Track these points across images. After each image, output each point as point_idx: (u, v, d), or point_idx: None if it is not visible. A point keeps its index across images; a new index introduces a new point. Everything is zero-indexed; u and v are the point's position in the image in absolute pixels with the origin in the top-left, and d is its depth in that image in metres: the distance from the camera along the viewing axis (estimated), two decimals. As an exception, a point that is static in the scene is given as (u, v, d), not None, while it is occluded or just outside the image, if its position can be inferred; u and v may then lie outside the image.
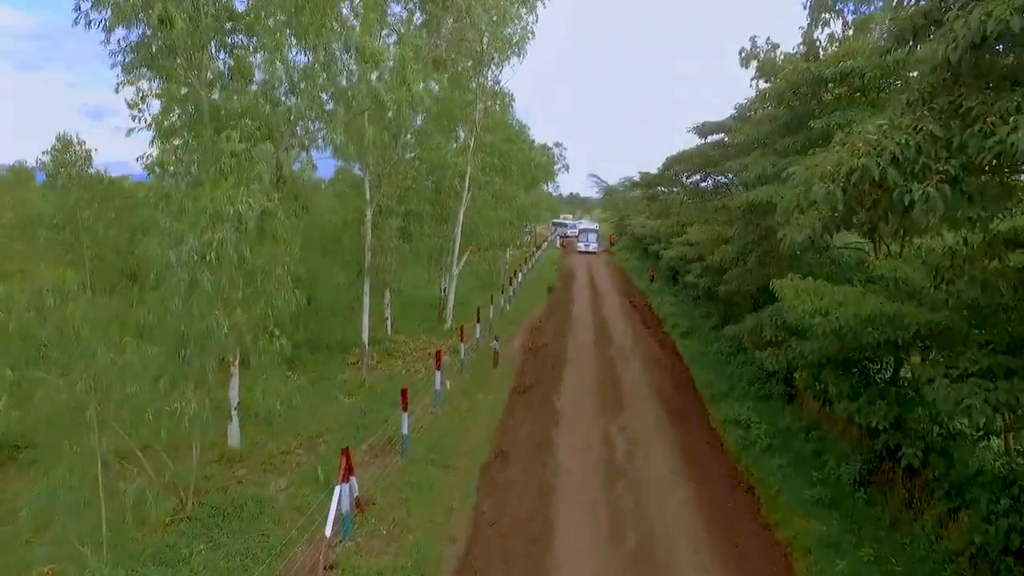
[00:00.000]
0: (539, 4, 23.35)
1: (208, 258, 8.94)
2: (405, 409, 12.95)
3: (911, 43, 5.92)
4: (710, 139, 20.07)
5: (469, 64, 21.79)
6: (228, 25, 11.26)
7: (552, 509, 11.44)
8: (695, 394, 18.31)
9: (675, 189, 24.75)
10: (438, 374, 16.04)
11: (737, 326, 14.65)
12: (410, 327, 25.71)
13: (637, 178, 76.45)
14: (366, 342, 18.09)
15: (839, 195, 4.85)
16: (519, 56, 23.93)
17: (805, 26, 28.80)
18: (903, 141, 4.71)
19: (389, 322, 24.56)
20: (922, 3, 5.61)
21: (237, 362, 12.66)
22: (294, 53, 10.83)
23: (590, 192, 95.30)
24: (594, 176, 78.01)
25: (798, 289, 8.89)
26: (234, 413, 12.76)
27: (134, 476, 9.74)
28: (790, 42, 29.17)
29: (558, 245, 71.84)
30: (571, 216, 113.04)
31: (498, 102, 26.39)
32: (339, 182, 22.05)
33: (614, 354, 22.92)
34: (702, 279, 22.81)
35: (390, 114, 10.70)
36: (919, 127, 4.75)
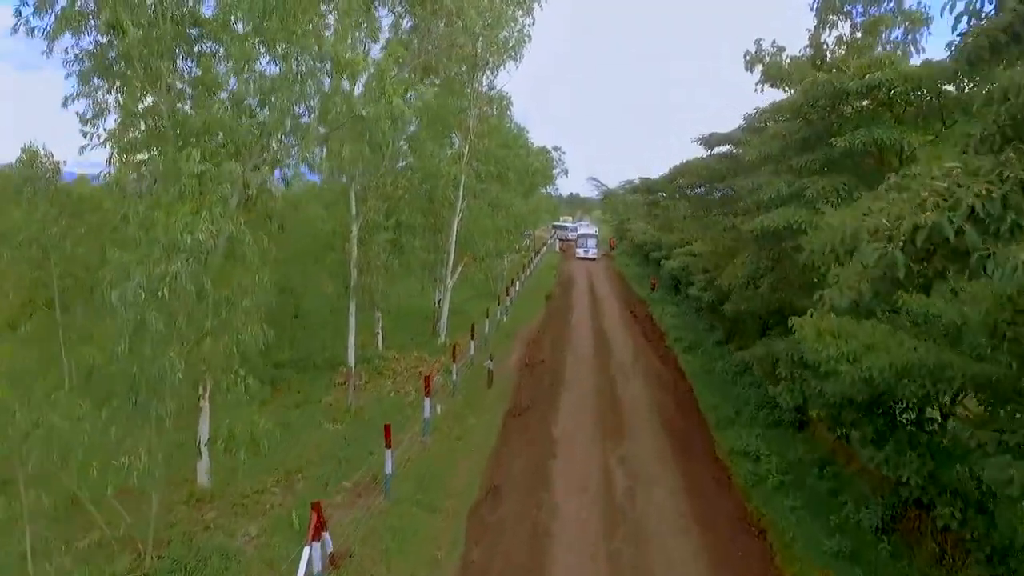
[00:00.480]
0: (536, 6, 22.42)
1: (161, 294, 7.99)
2: (389, 446, 11.99)
3: (987, 63, 4.89)
4: (717, 150, 19.16)
5: (463, 69, 20.82)
6: (194, 31, 10.32)
7: (547, 559, 10.50)
8: (700, 418, 17.35)
9: (677, 197, 23.61)
10: (427, 401, 15.08)
11: (747, 352, 13.69)
12: (402, 341, 24.75)
13: (637, 181, 75.97)
14: (352, 364, 17.11)
15: (899, 258, 3.89)
16: (515, 60, 22.97)
17: (812, 28, 28.24)
18: (983, 192, 3.80)
19: (380, 337, 23.60)
20: (1000, 15, 4.66)
21: (207, 395, 11.69)
22: (265, 63, 9.88)
23: (590, 192, 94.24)
24: (594, 179, 77.11)
25: (820, 329, 7.95)
26: (203, 449, 11.80)
27: (83, 533, 8.79)
28: (794, 44, 28.36)
29: (557, 249, 70.90)
30: (571, 218, 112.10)
31: (494, 107, 25.45)
32: (327, 191, 21.08)
33: (614, 371, 21.96)
34: (706, 293, 21.86)
35: (370, 130, 9.76)
36: (1005, 174, 3.81)
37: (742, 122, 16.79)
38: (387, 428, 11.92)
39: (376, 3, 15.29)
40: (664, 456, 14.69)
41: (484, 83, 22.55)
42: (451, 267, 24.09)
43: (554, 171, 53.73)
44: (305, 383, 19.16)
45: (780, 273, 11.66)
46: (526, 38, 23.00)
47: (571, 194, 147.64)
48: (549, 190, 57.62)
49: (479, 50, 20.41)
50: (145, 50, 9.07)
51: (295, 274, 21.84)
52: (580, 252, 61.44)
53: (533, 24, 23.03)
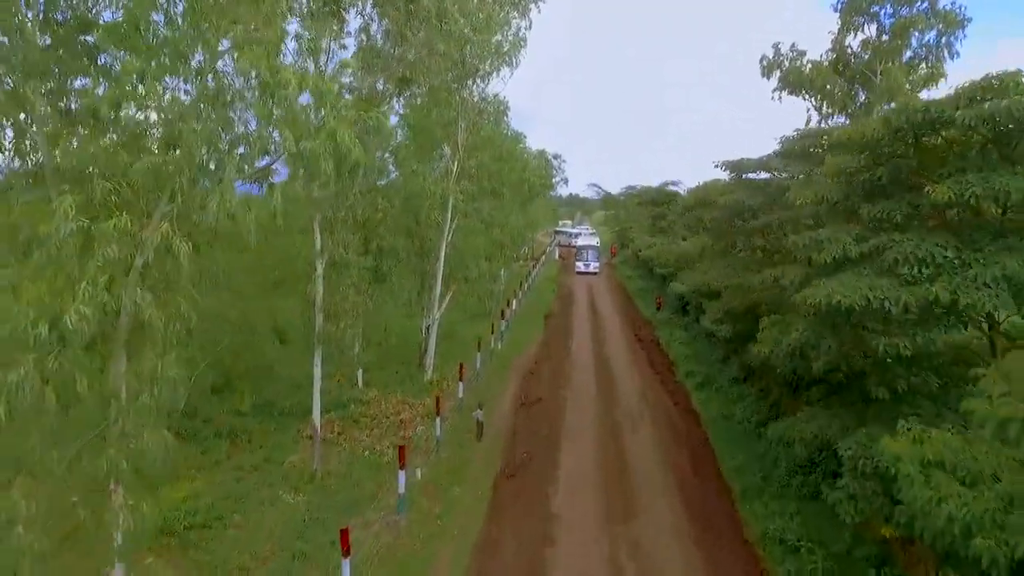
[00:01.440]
0: (532, 7, 20.15)
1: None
2: (347, 553, 9.68)
3: None
4: (736, 171, 16.82)
5: (449, 78, 18.51)
6: (84, 38, 8.00)
7: None
8: (721, 483, 15.03)
9: (696, 229, 21.06)
10: (402, 475, 12.78)
11: (787, 428, 11.26)
12: (385, 377, 22.44)
13: (639, 188, 73.70)
14: (318, 423, 14.78)
15: None
16: (510, 66, 20.69)
17: (835, 31, 25.92)
18: None
19: (360, 374, 21.30)
20: None
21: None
22: (175, 82, 7.56)
23: (589, 193, 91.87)
24: (595, 185, 74.77)
25: (924, 459, 5.64)
26: None
27: None
28: (802, 45, 25.72)
29: (557, 257, 68.58)
30: (570, 222, 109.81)
31: (488, 117, 23.15)
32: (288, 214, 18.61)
33: (620, 415, 19.63)
34: (722, 327, 19.52)
35: (309, 170, 7.48)
36: None
37: (777, 145, 14.35)
38: (343, 534, 9.59)
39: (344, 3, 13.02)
40: (683, 542, 12.35)
41: (475, 92, 20.22)
42: (439, 294, 21.75)
43: (554, 179, 51.84)
44: (269, 436, 16.82)
45: (845, 351, 9.30)
46: (522, 42, 20.76)
47: (571, 195, 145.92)
48: (549, 195, 55.57)
49: (468, 56, 18.09)
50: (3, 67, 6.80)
51: (261, 308, 19.60)
52: (580, 266, 53.78)
53: (530, 27, 20.80)
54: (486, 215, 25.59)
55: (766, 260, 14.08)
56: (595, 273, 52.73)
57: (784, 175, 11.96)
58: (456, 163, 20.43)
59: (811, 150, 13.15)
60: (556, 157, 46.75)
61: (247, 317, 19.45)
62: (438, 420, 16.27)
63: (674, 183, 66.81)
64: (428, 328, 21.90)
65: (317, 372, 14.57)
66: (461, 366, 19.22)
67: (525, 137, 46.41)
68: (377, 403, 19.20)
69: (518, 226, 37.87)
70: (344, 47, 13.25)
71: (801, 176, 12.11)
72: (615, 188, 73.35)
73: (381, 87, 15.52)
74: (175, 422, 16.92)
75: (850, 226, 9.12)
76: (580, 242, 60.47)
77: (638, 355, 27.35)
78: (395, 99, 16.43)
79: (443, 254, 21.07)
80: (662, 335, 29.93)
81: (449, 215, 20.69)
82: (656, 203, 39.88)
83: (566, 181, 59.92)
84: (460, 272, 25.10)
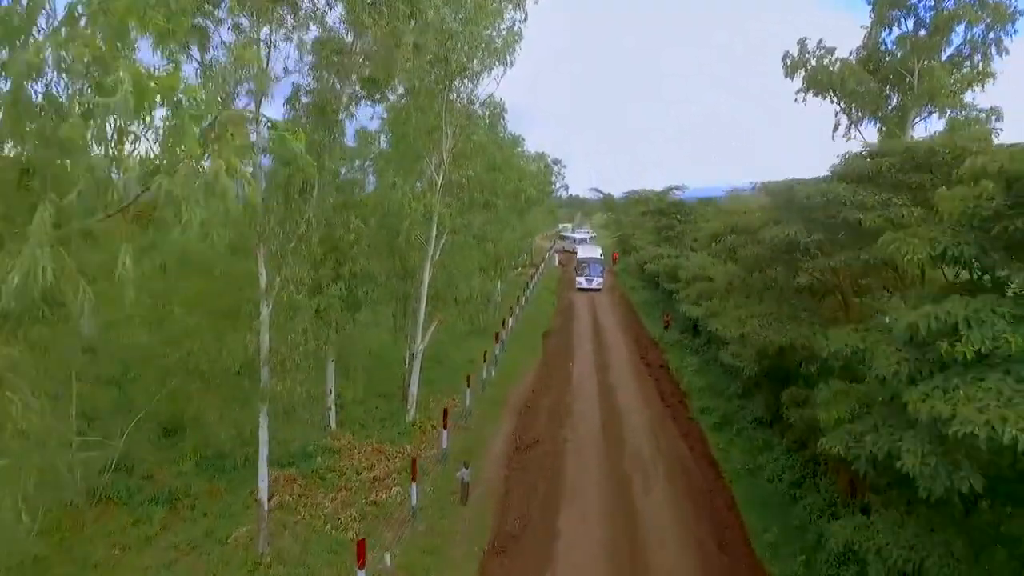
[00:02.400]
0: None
1: None
2: None
3: None
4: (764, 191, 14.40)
5: (432, 78, 15.99)
6: None
7: None
8: (753, 565, 12.50)
9: (723, 258, 18.31)
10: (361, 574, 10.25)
11: (851, 529, 8.68)
12: (363, 414, 19.95)
13: (640, 191, 70.99)
14: (265, 495, 12.22)
15: None
16: (504, 64, 18.18)
17: (867, 25, 23.38)
18: None
19: (333, 412, 18.77)
20: None
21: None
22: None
23: (591, 194, 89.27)
24: (596, 190, 72.28)
25: None
26: None
27: None
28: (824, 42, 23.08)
29: (556, 264, 66.07)
30: (570, 225, 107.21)
31: (478, 122, 20.65)
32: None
33: (628, 466, 17.08)
34: (746, 365, 16.95)
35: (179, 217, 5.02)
36: None
37: (836, 161, 11.68)
38: None
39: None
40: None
41: (463, 94, 17.68)
42: (423, 321, 19.19)
43: (554, 186, 49.39)
44: (217, 499, 14.30)
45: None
46: (517, 36, 18.26)
47: (572, 195, 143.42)
48: (549, 198, 52.97)
49: (452, 52, 15.57)
50: None
51: (213, 339, 17.07)
52: (581, 282, 46.43)
53: (525, 20, 18.30)
54: (477, 230, 23.11)
55: (822, 308, 11.66)
56: (598, 290, 46.32)
57: (854, 210, 9.34)
58: (441, 175, 17.87)
59: (883, 170, 10.39)
60: (556, 162, 44.57)
61: (200, 349, 16.99)
62: (414, 488, 13.71)
63: (678, 188, 64.69)
64: (411, 359, 19.32)
65: (263, 435, 12.00)
66: (445, 412, 16.64)
67: (523, 140, 44.38)
68: (349, 452, 16.66)
69: (515, 238, 35.60)
70: (292, 39, 10.68)
71: (889, 205, 9.40)
72: (615, 183, 70.76)
73: (348, 89, 12.96)
74: (104, 482, 14.65)
75: (992, 297, 6.51)
76: (581, 253, 51.62)
77: (645, 383, 24.80)
78: (366, 103, 13.84)
79: (427, 276, 18.53)
80: (671, 359, 27.39)
81: (434, 232, 18.15)
82: (663, 213, 37.34)
83: (566, 188, 57.43)
84: (450, 293, 22.62)
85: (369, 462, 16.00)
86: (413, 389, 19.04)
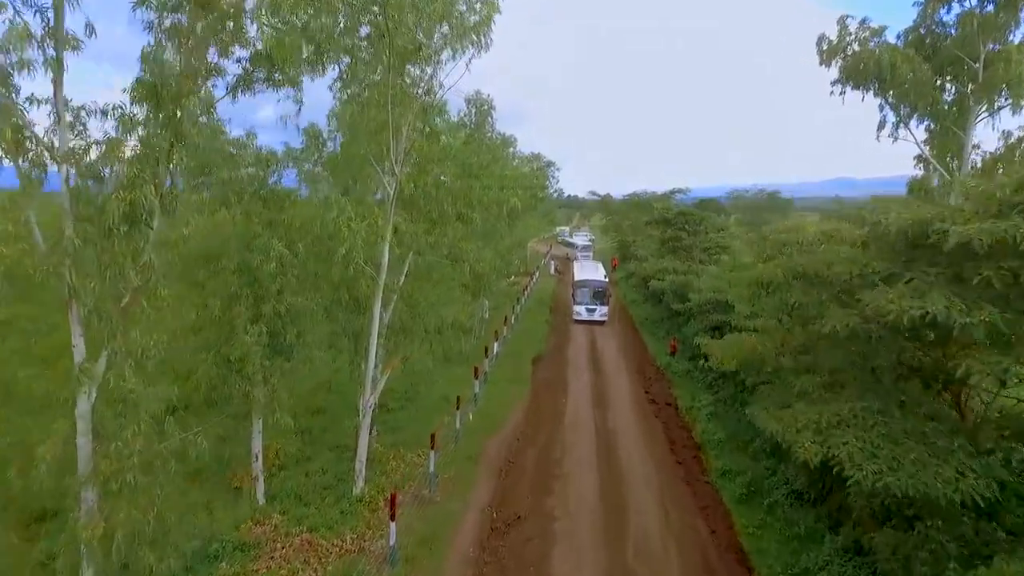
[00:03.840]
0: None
1: None
2: None
3: None
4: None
5: (370, 59, 12.16)
6: None
7: None
8: None
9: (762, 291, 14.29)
10: None
11: None
12: (303, 479, 16.15)
13: (641, 193, 67.13)
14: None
15: None
16: (479, 46, 14.28)
17: (921, 3, 19.50)
18: None
19: (260, 483, 14.94)
20: None
21: None
22: None
23: (589, 196, 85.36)
24: (594, 193, 68.56)
25: None
26: None
27: None
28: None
29: (553, 271, 62.23)
30: (567, 228, 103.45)
31: (444, 118, 16.88)
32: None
33: (634, 559, 13.24)
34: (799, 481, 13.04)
35: None
36: None
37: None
38: None
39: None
40: None
41: (420, 83, 13.81)
42: (374, 369, 15.31)
43: (548, 191, 45.61)
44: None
45: None
46: (493, 8, 14.40)
47: (570, 196, 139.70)
48: (543, 203, 48.99)
49: (400, 25, 11.71)
50: None
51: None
52: (580, 312, 36.31)
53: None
54: (451, 248, 19.24)
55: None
56: (601, 322, 36.01)
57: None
58: (395, 185, 14.02)
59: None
60: (550, 165, 40.78)
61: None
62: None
63: (680, 191, 60.81)
64: (361, 415, 15.42)
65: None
66: (392, 498, 12.71)
67: (515, 140, 40.56)
68: (270, 548, 12.77)
69: (503, 248, 31.75)
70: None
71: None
72: (614, 183, 66.87)
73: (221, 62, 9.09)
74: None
75: None
76: (579, 273, 39.41)
77: (652, 428, 20.96)
78: (267, 88, 10.00)
79: (378, 310, 14.66)
80: (681, 395, 23.54)
81: (386, 258, 14.28)
82: (669, 223, 33.45)
83: (560, 192, 53.63)
84: (417, 324, 18.79)
85: (292, 567, 12.10)
86: (362, 453, 15.16)
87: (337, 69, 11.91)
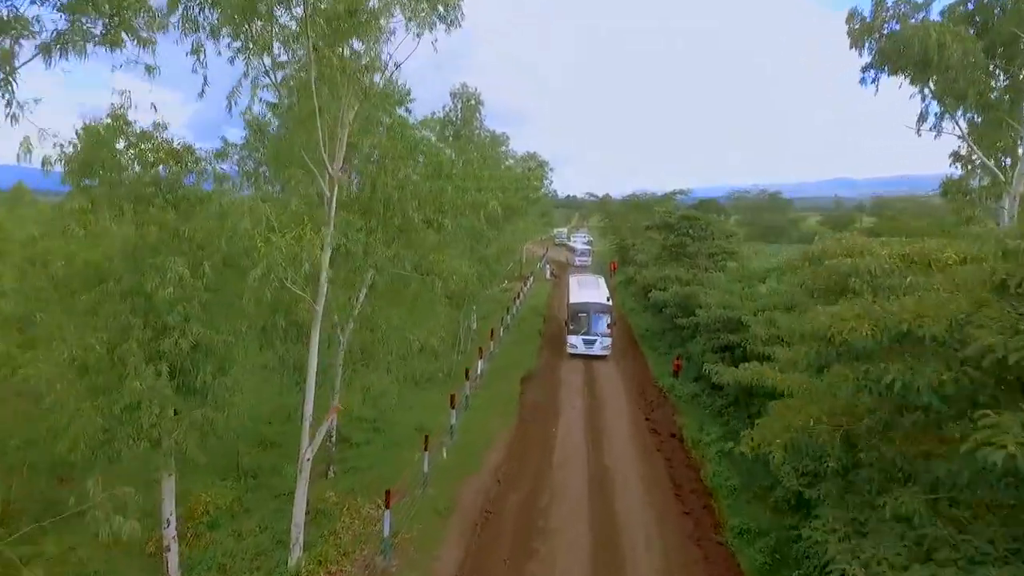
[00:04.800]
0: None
1: None
2: None
3: None
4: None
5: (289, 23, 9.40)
6: None
7: None
8: None
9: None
10: None
11: None
12: (232, 543, 13.38)
13: (641, 193, 64.34)
14: None
15: None
16: (447, 22, 11.47)
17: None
18: None
19: (174, 553, 12.15)
20: None
21: None
22: None
23: (587, 196, 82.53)
24: (592, 195, 65.90)
25: None
26: None
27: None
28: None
29: (548, 275, 59.44)
30: (565, 230, 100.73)
31: (396, 105, 14.18)
32: None
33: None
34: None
35: None
36: None
37: None
38: None
39: None
40: None
41: (360, 59, 11.00)
42: (311, 415, 12.44)
43: (541, 191, 42.90)
44: None
45: None
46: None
47: (568, 196, 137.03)
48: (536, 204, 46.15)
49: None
50: None
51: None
52: (575, 343, 29.23)
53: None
54: (421, 261, 16.48)
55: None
56: (604, 357, 28.97)
57: None
58: (335, 187, 11.24)
59: None
60: (542, 165, 38.04)
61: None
62: None
63: (682, 192, 58.02)
64: (299, 468, 12.59)
65: None
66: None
67: (507, 138, 37.80)
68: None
69: (492, 254, 29.00)
70: None
71: None
72: (613, 183, 64.01)
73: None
74: None
75: None
76: (575, 294, 31.55)
77: (654, 467, 18.18)
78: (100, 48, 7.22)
79: (315, 344, 11.84)
80: (687, 424, 20.73)
81: (324, 278, 11.48)
82: (671, 229, 30.65)
83: (555, 193, 50.89)
84: (380, 350, 16.11)
85: None
86: (299, 516, 12.34)
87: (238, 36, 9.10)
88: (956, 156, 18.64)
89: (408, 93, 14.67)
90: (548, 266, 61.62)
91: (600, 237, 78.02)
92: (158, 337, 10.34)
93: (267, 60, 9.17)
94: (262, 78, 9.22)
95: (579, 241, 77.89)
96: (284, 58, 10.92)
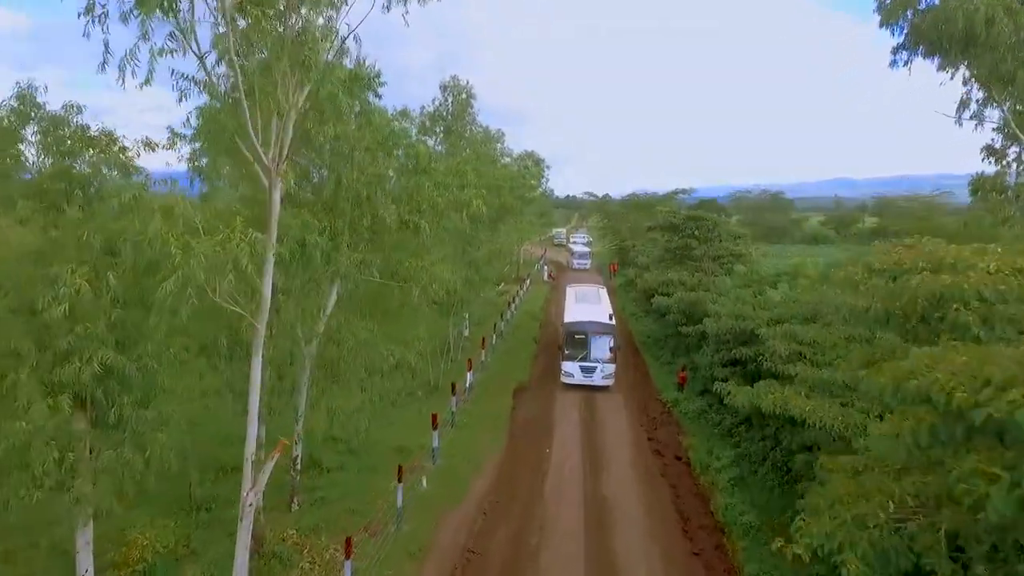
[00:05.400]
0: None
1: None
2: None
3: None
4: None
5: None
6: None
7: None
8: None
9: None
10: None
11: None
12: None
13: (640, 192, 62.43)
14: None
15: None
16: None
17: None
18: None
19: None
20: None
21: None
22: None
23: (586, 196, 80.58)
24: (591, 194, 64.09)
25: None
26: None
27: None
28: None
29: (546, 277, 57.56)
30: (563, 230, 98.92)
31: (372, 91, 12.34)
32: None
33: None
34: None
35: None
36: None
37: None
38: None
39: None
40: None
41: (293, 23, 9.08)
42: (255, 453, 10.51)
43: (538, 191, 41.13)
44: None
45: None
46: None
47: (568, 196, 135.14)
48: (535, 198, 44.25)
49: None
50: None
51: None
52: (573, 372, 24.31)
53: None
54: (396, 267, 14.60)
55: None
56: (607, 387, 24.13)
57: None
58: (275, 183, 9.33)
59: None
60: (537, 163, 36.21)
61: None
62: None
63: (683, 191, 56.14)
64: (241, 513, 10.65)
65: None
66: None
67: (503, 135, 35.89)
68: None
69: (482, 257, 27.13)
70: None
71: None
72: (612, 183, 62.11)
73: None
74: None
75: None
76: (573, 309, 27.09)
77: (659, 496, 16.30)
78: None
79: (257, 368, 9.91)
80: (694, 445, 18.83)
81: (268, 290, 9.57)
82: (676, 230, 28.77)
83: (551, 191, 49.03)
84: (348, 368, 14.28)
85: None
86: (241, 572, 10.42)
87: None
88: (990, 150, 16.78)
89: (378, 75, 12.79)
90: (546, 267, 59.73)
91: (600, 238, 76.08)
92: (60, 364, 8.47)
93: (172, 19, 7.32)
94: (168, 43, 7.35)
95: (578, 242, 75.97)
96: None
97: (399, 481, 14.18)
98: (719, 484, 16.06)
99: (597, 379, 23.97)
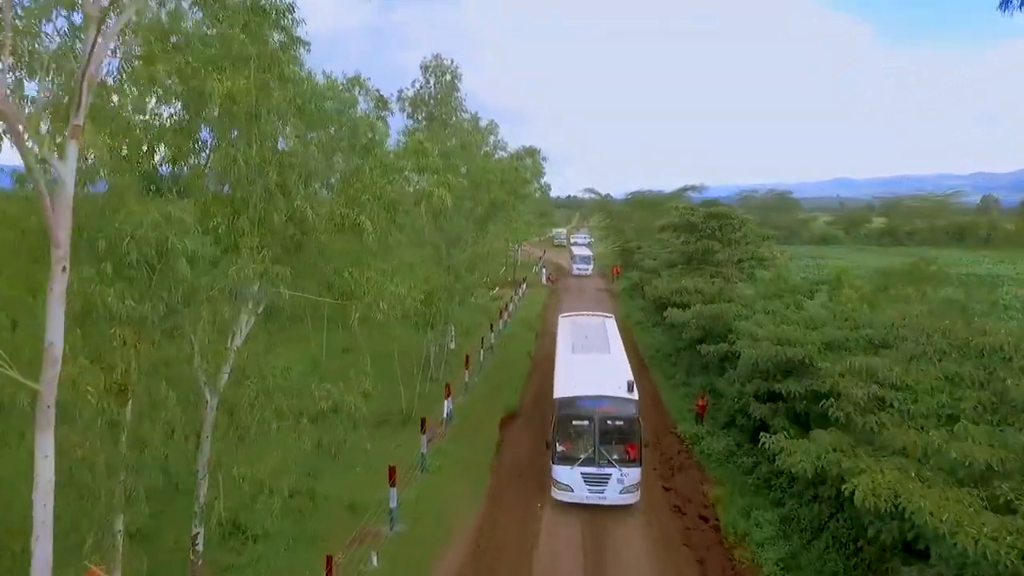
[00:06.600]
0: None
1: None
2: None
3: None
4: None
5: None
6: None
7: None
8: None
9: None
10: None
11: None
12: None
13: (644, 191, 58.55)
14: None
15: None
16: None
17: None
18: None
19: None
20: None
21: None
22: None
23: (587, 195, 76.65)
24: (592, 191, 60.35)
25: None
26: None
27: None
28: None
29: (545, 280, 53.69)
30: (563, 230, 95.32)
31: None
32: None
33: None
34: None
35: None
36: None
37: None
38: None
39: None
40: None
41: None
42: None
43: (533, 186, 37.36)
44: None
45: None
46: None
47: (568, 196, 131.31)
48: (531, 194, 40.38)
49: None
50: None
51: None
52: (572, 485, 14.63)
53: None
54: (330, 279, 10.85)
55: None
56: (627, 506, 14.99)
57: None
58: (72, 141, 5.51)
59: None
60: (531, 155, 32.44)
61: None
62: None
63: (694, 188, 52.23)
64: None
65: None
66: None
67: (495, 127, 31.95)
68: None
69: (461, 263, 23.28)
70: None
71: None
72: (612, 183, 58.16)
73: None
74: None
75: None
76: (567, 379, 16.86)
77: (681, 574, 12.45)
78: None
79: (48, 447, 6.10)
80: (724, 498, 14.94)
81: (54, 329, 5.76)
82: (693, 230, 24.91)
83: (548, 188, 45.20)
84: (256, 417, 10.54)
85: None
86: None
87: None
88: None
89: (290, 7, 9.00)
90: (544, 270, 55.92)
91: (601, 239, 72.13)
92: None
93: None
94: None
95: (579, 243, 72.10)
96: None
97: (328, 573, 10.31)
98: (762, 564, 12.20)
99: (612, 495, 14.56)
